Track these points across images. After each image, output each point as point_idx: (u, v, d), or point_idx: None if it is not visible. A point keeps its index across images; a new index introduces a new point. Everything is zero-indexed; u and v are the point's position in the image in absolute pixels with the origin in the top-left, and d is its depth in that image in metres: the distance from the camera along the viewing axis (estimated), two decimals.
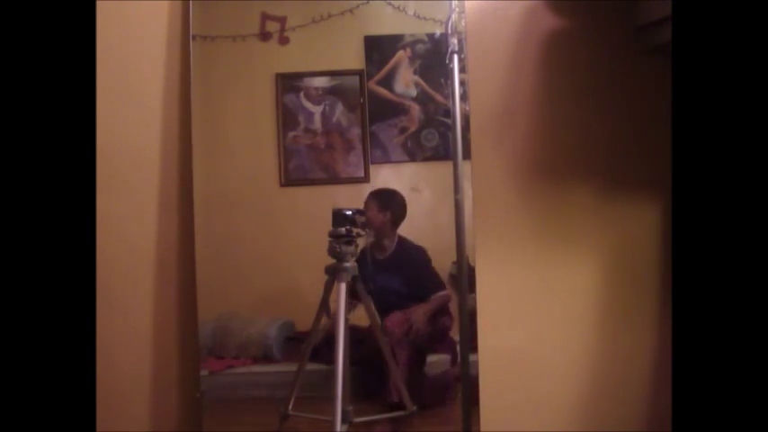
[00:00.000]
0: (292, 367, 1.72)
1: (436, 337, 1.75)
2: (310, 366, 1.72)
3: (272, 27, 1.80)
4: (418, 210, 1.82)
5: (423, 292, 1.78)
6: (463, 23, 1.73)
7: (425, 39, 1.81)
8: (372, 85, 1.82)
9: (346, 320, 1.59)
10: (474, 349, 1.70)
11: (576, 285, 1.78)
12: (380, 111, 1.83)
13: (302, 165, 1.84)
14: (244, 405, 1.78)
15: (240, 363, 1.79)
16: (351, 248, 1.64)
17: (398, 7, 1.79)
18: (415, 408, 1.71)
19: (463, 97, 1.71)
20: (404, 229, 1.81)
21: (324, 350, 1.68)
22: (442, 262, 1.77)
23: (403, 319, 1.74)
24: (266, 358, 1.80)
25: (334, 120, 1.84)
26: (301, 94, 1.83)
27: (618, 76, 1.77)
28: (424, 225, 1.82)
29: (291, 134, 1.84)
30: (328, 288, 1.64)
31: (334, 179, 1.84)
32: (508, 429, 1.75)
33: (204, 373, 1.74)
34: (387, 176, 1.84)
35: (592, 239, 1.78)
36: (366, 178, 1.84)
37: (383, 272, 1.77)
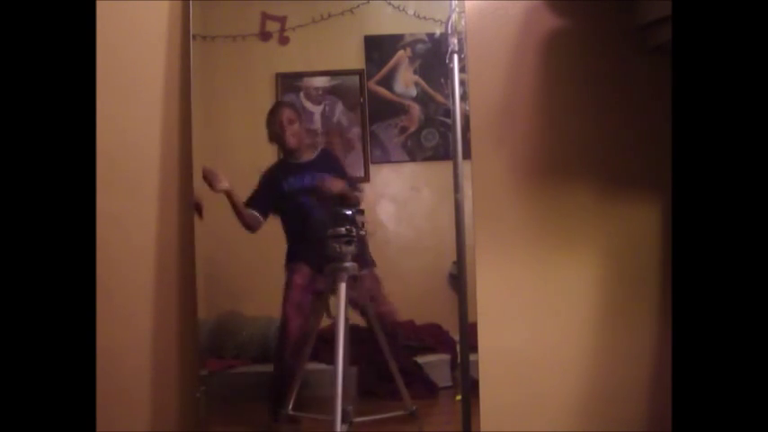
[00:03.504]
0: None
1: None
2: (310, 366, 1.72)
3: (272, 27, 1.80)
4: (418, 210, 1.82)
5: None
6: (463, 23, 1.73)
7: (425, 39, 1.81)
8: (372, 84, 1.82)
9: (346, 320, 1.59)
10: (474, 349, 1.70)
11: (576, 285, 1.78)
12: (380, 111, 1.83)
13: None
14: (244, 405, 1.78)
15: (240, 363, 1.79)
16: (351, 248, 1.64)
17: (398, 7, 1.79)
18: (414, 407, 1.71)
19: (463, 97, 1.71)
20: (404, 229, 1.82)
21: (324, 350, 1.68)
22: (442, 262, 1.77)
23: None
24: (266, 358, 1.80)
25: (334, 120, 1.84)
26: (301, 94, 1.83)
27: (618, 76, 1.77)
28: (424, 225, 1.82)
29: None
30: (328, 288, 1.64)
31: None
32: (508, 429, 1.75)
33: (204, 373, 1.74)
34: (387, 176, 1.85)
35: (592, 239, 1.78)
36: (366, 178, 1.84)
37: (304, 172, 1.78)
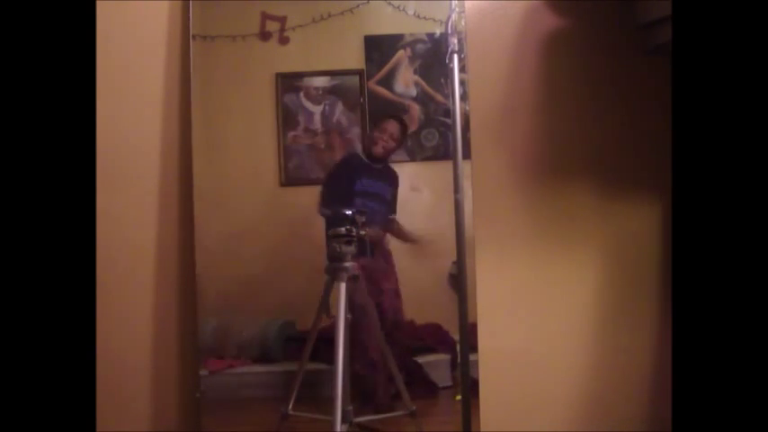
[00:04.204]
0: (292, 367, 1.72)
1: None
2: (310, 366, 1.72)
3: (272, 27, 1.80)
4: (418, 210, 1.82)
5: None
6: (463, 23, 1.73)
7: (425, 38, 1.81)
8: (372, 84, 1.82)
9: (346, 320, 1.59)
10: (474, 349, 1.70)
11: (576, 285, 1.78)
12: (380, 111, 1.83)
13: (302, 165, 1.84)
14: (244, 405, 1.78)
15: (240, 363, 1.79)
16: (351, 248, 1.64)
17: (398, 7, 1.79)
18: (414, 407, 1.71)
19: (463, 97, 1.71)
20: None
21: (324, 350, 1.68)
22: (442, 262, 1.77)
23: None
24: (266, 358, 1.80)
25: (334, 120, 1.84)
26: (301, 94, 1.83)
27: (618, 76, 1.77)
28: (424, 225, 1.82)
29: (291, 134, 1.84)
30: (328, 288, 1.64)
31: None
32: (508, 429, 1.75)
33: (204, 373, 1.74)
34: None
35: (592, 239, 1.78)
36: None
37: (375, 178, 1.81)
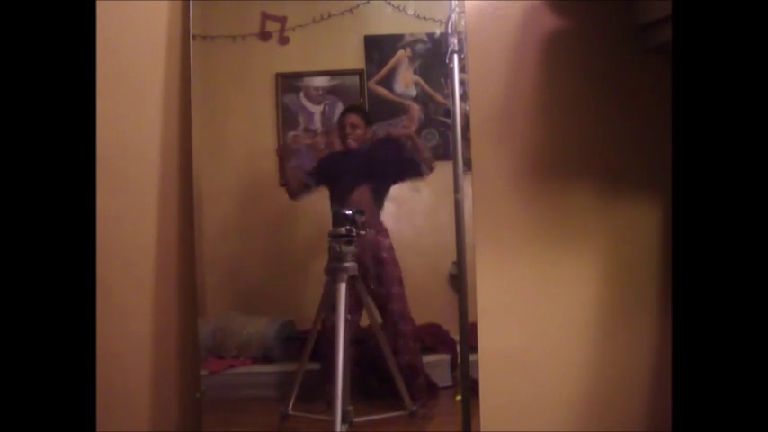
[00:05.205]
0: (292, 367, 1.72)
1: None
2: (310, 366, 1.72)
3: (272, 27, 1.80)
4: (418, 209, 1.82)
5: None
6: (463, 23, 1.73)
7: (425, 39, 1.81)
8: (372, 85, 1.82)
9: (346, 320, 1.59)
10: (474, 349, 1.70)
11: (576, 285, 1.78)
12: (380, 111, 1.83)
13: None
14: (244, 405, 1.78)
15: (240, 363, 1.79)
16: (351, 248, 1.64)
17: (398, 7, 1.79)
18: (414, 407, 1.71)
19: (463, 97, 1.71)
20: (404, 229, 1.82)
21: (324, 350, 1.68)
22: (442, 262, 1.77)
23: None
24: (266, 358, 1.80)
25: (335, 120, 1.83)
26: (301, 94, 1.83)
27: (618, 76, 1.77)
28: (423, 225, 1.82)
29: (291, 134, 1.84)
30: (328, 288, 1.64)
31: None
32: (508, 429, 1.75)
33: (204, 373, 1.74)
34: None
35: (592, 239, 1.78)
36: None
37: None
